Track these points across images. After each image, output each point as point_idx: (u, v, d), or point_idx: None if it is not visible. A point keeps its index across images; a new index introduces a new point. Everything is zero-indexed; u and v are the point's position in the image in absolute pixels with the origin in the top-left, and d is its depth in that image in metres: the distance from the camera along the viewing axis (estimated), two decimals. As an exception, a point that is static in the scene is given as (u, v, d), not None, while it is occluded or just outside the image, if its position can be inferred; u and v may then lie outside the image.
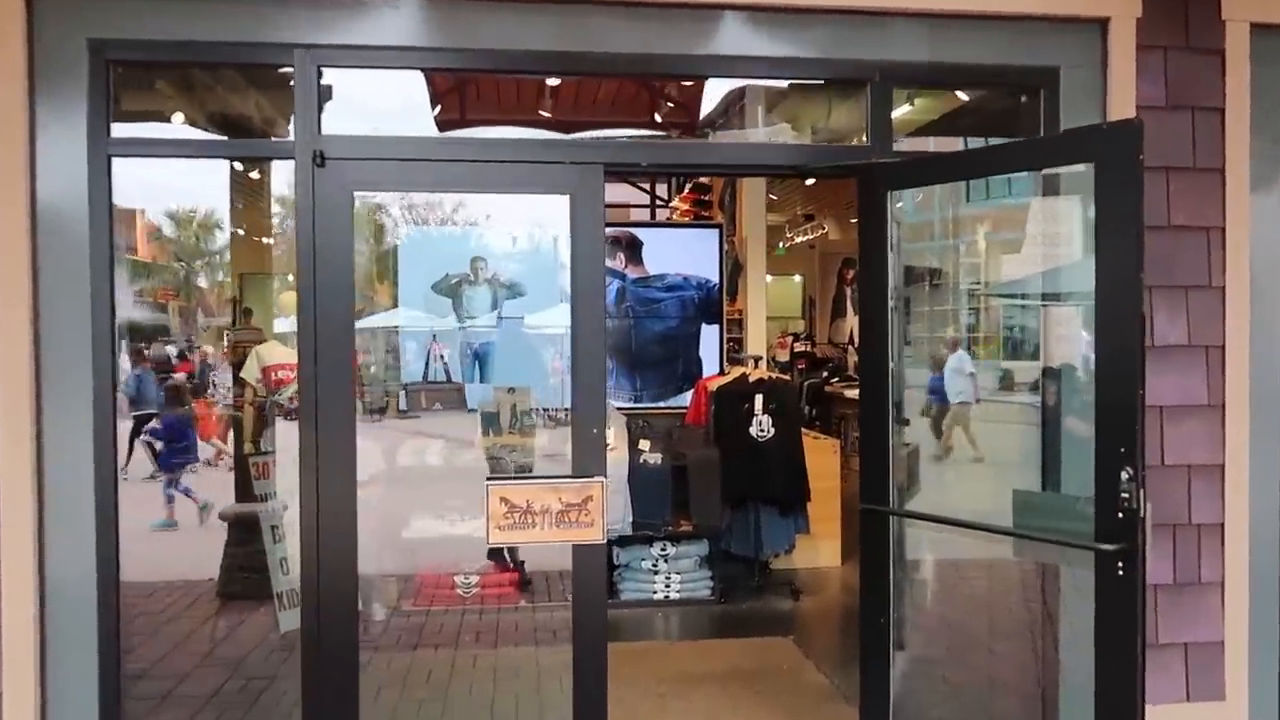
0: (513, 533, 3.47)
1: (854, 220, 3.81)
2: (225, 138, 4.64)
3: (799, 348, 15.58)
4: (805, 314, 19.14)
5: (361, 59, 3.49)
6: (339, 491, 3.45)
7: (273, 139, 4.14)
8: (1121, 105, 3.66)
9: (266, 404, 6.05)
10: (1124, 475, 2.95)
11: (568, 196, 3.57)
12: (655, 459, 6.14)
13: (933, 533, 3.83)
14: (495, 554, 6.17)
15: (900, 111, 4.01)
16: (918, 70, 3.67)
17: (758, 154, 3.76)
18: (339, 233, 3.44)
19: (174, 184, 8.68)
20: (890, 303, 3.58)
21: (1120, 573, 2.94)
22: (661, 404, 6.91)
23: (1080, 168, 3.32)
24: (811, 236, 17.16)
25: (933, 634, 4.40)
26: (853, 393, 10.56)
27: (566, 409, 6.75)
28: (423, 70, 3.89)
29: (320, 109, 3.46)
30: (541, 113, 6.10)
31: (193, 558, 6.58)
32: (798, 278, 19.38)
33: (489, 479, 3.48)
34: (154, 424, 8.34)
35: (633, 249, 6.79)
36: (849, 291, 16.83)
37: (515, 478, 3.48)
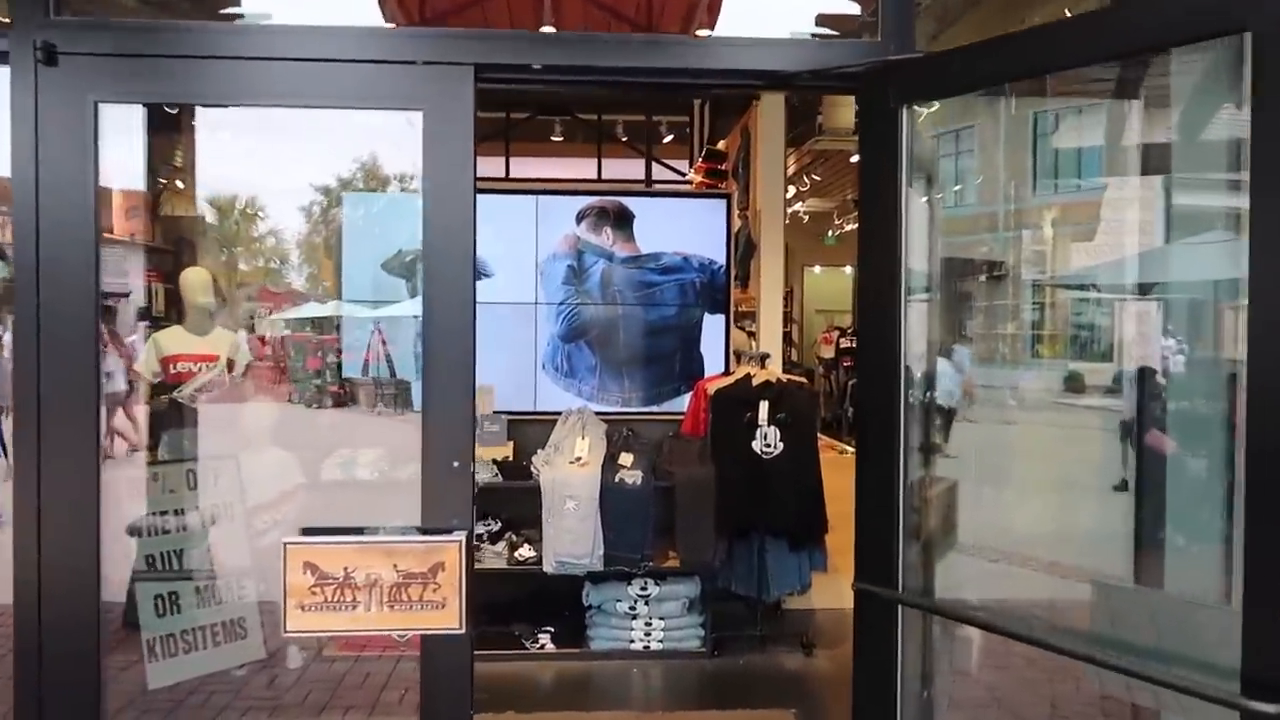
0: (324, 616, 2.27)
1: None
2: None
3: (845, 344, 14.19)
4: (855, 308, 17.68)
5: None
6: (69, 540, 2.29)
7: None
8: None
9: (169, 401, 4.94)
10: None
11: (419, 114, 2.34)
12: (634, 478, 4.91)
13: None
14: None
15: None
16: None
17: (718, 55, 2.50)
18: (73, 162, 2.27)
19: None
20: (901, 281, 2.29)
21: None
22: (655, 408, 5.67)
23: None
24: (862, 224, 15.70)
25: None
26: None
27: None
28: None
29: (56, -17, 2.30)
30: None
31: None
32: (848, 269, 17.91)
33: (287, 540, 2.27)
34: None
35: (621, 222, 5.55)
36: (902, 284, 15.33)
37: (328, 533, 2.27)
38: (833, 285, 18.04)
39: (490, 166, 9.04)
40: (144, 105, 2.74)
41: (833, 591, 5.63)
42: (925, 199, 2.45)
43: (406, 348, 5.57)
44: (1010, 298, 4.89)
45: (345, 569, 2.26)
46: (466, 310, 2.40)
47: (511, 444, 5.43)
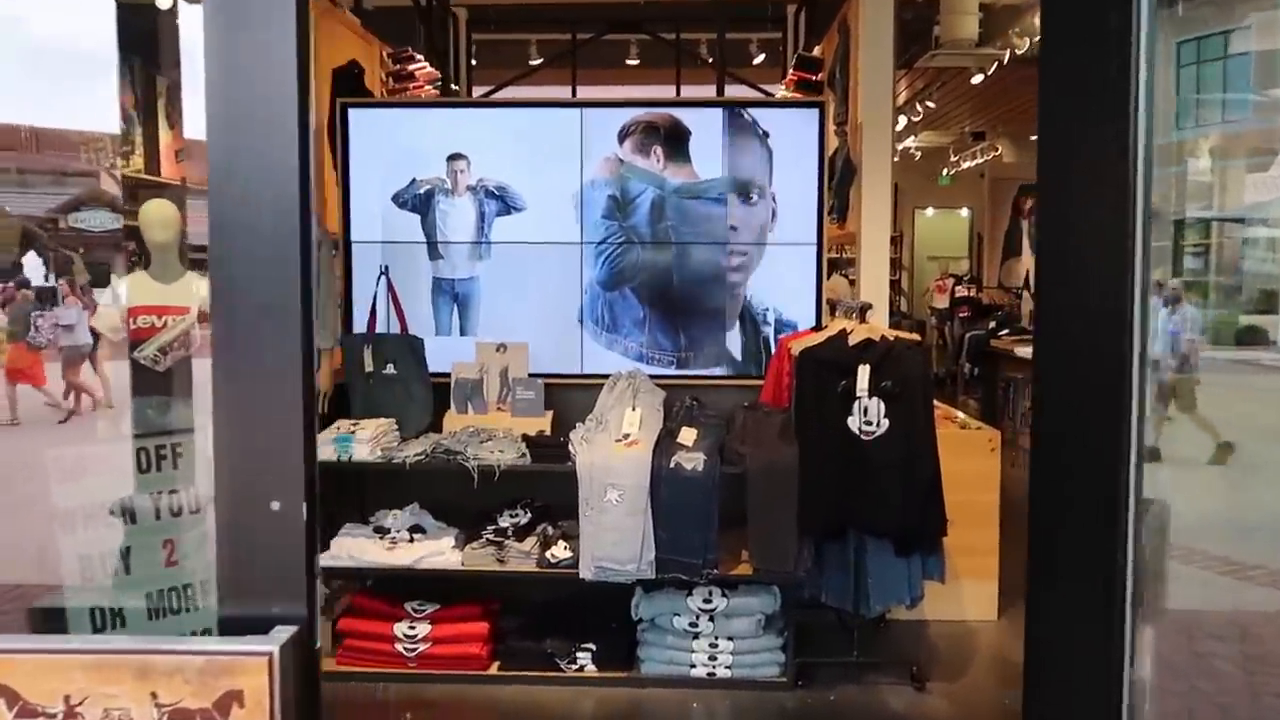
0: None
1: (1033, 138, 1.43)
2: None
3: (961, 292, 12.69)
4: (972, 253, 16.03)
5: None
6: None
7: None
8: None
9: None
10: None
11: None
12: (696, 462, 3.78)
13: None
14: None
15: None
16: None
17: None
18: None
19: None
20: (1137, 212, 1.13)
21: None
22: (718, 372, 4.52)
23: None
24: (981, 161, 14.08)
25: None
26: (1025, 350, 7.76)
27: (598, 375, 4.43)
28: None
29: None
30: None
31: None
32: (964, 211, 16.23)
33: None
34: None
35: (675, 143, 4.37)
36: (1025, 225, 13.68)
37: (34, 644, 1.20)
38: (948, 229, 16.38)
39: (557, 95, 7.92)
40: None
41: (950, 601, 4.46)
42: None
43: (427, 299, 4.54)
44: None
45: (66, 699, 1.22)
46: (300, 230, 1.29)
47: (550, 415, 4.36)
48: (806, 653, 3.97)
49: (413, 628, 3.98)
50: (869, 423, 3.75)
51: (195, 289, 4.02)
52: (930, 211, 16.59)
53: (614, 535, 3.77)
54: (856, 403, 3.76)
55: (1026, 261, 13.23)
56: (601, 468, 3.80)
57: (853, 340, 3.81)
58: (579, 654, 3.95)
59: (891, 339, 3.82)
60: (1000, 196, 14.32)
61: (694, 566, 3.77)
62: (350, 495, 4.44)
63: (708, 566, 3.78)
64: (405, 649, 3.97)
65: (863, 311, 3.95)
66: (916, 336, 4.23)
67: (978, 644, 4.37)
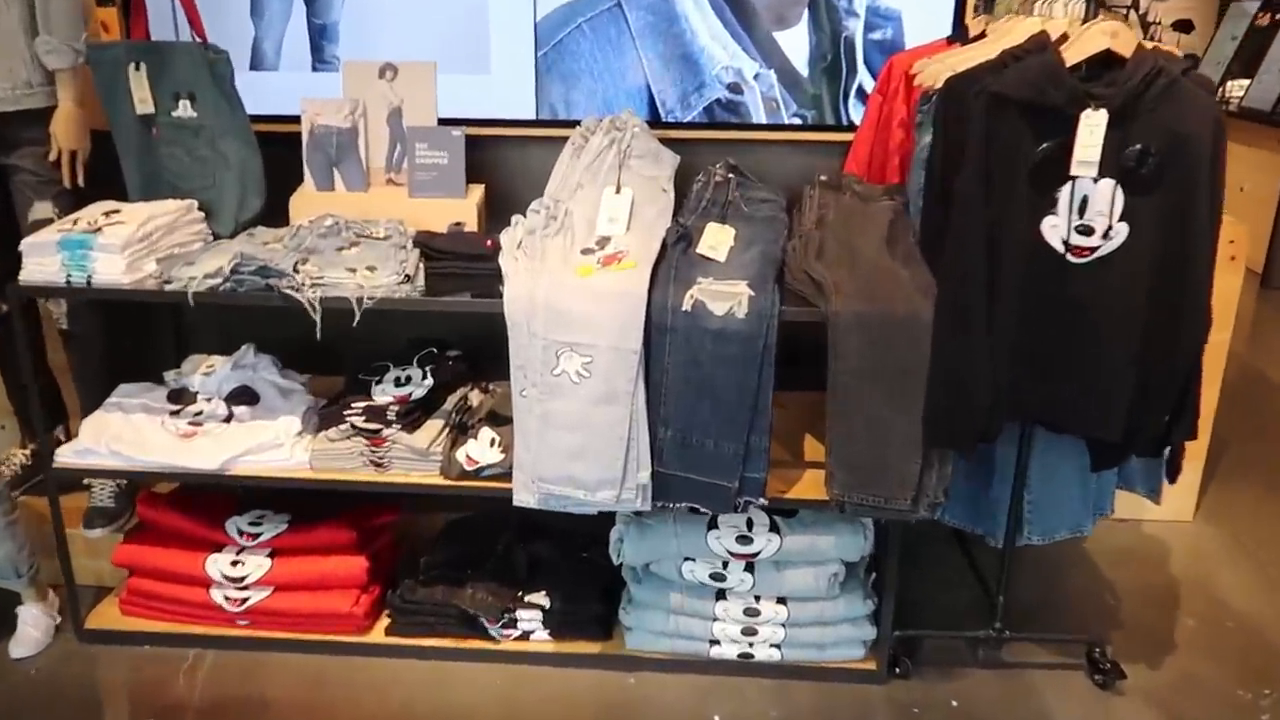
0: None
1: None
2: None
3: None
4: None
5: None
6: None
7: None
8: None
9: None
10: None
11: None
12: (733, 301, 1.89)
13: None
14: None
15: None
16: None
17: None
18: None
19: None
20: None
21: None
22: (757, 117, 2.53)
23: None
24: None
25: None
26: None
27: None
28: None
29: None
30: None
31: None
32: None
33: None
34: None
35: None
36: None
37: None
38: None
39: None
40: None
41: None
42: None
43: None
44: None
45: None
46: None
47: (477, 195, 2.43)
48: (912, 621, 2.27)
49: (240, 562, 2.27)
50: (1087, 229, 1.82)
51: None
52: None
53: (575, 438, 1.95)
54: (1067, 189, 1.81)
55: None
56: (553, 309, 1.92)
57: (1069, 57, 1.80)
58: (521, 613, 2.26)
59: (1154, 62, 1.78)
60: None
61: (723, 492, 1.98)
62: (159, 334, 2.64)
63: (749, 492, 2.00)
64: (227, 597, 2.28)
65: (1100, 4, 1.89)
66: (1195, 55, 2.17)
67: (1181, 579, 2.65)
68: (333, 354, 2.19)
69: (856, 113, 2.54)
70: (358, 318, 1.99)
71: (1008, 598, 2.23)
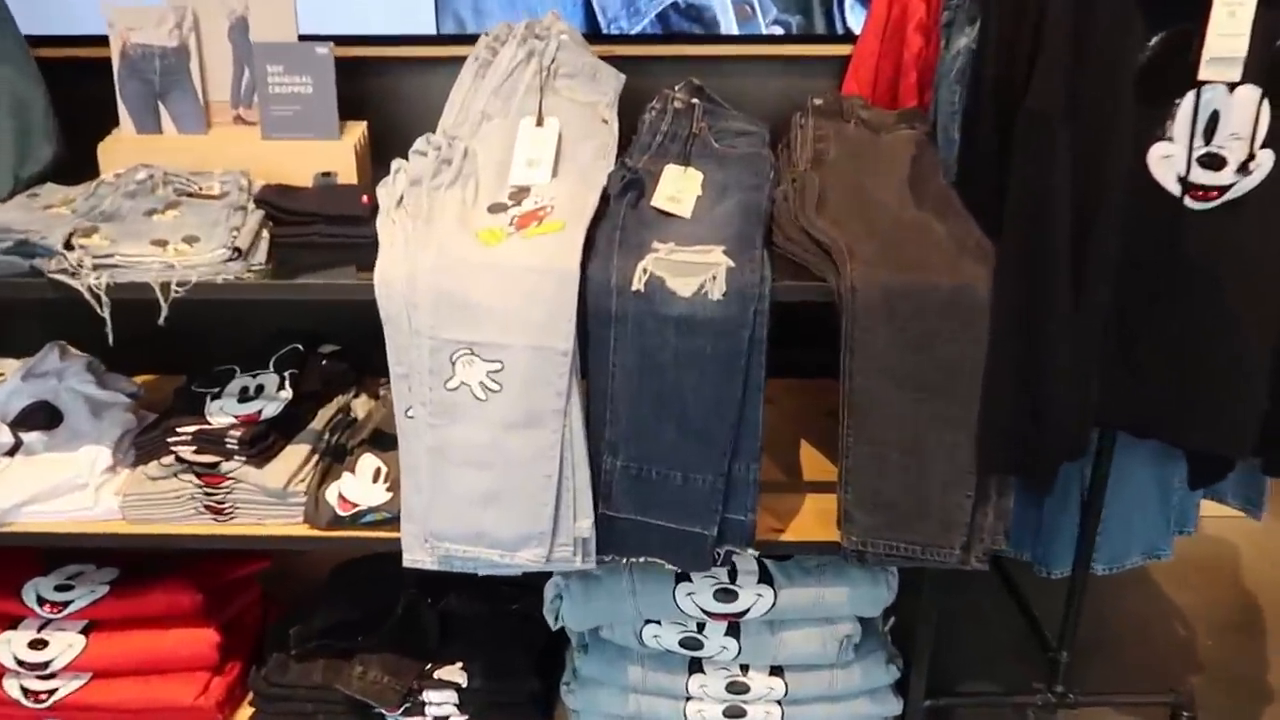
0: None
1: None
2: None
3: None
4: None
5: None
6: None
7: None
8: None
9: None
10: None
11: None
12: (705, 277, 1.31)
13: None
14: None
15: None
16: None
17: None
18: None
19: None
20: None
21: None
22: (737, 28, 1.91)
23: None
24: None
25: None
26: None
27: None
28: None
29: None
30: None
31: None
32: None
33: None
34: None
35: None
36: None
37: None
38: None
39: None
40: None
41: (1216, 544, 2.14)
42: None
43: None
44: None
45: None
46: None
47: (357, 134, 1.79)
48: (940, 678, 1.73)
49: (43, 642, 1.67)
50: (1215, 159, 1.25)
51: None
52: None
53: (483, 478, 1.36)
54: (1188, 102, 1.23)
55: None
56: (444, 294, 1.32)
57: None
58: (430, 695, 1.68)
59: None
60: None
61: (696, 542, 1.41)
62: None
63: (732, 539, 1.43)
64: (26, 690, 1.68)
65: None
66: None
67: (1262, 594, 2.14)
68: (195, 342, 1.58)
69: (856, 18, 1.94)
70: (164, 311, 1.37)
71: (1068, 653, 1.70)
